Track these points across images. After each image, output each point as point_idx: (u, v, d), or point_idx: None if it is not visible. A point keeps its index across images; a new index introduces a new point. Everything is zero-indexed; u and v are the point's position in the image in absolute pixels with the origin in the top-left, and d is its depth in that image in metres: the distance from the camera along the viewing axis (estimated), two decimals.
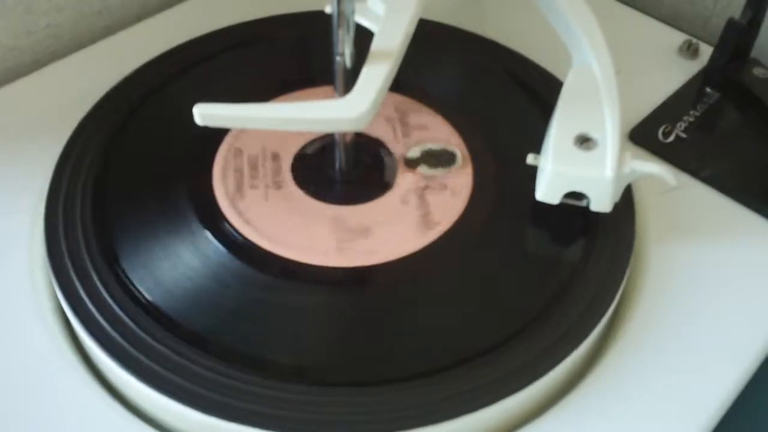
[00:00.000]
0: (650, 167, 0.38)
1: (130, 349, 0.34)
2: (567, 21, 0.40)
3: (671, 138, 0.46)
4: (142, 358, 0.34)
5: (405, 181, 0.41)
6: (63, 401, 0.34)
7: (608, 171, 0.37)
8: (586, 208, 0.38)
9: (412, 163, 0.40)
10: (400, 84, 0.37)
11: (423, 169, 0.40)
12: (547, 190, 0.38)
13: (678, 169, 0.44)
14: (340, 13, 0.35)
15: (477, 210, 0.40)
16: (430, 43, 0.46)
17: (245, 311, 0.36)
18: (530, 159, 0.39)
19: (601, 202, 0.38)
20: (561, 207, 0.38)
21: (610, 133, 0.37)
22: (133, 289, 0.36)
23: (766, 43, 0.50)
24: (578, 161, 0.37)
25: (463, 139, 0.43)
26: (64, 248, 0.38)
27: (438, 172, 0.39)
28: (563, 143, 0.38)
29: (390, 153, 0.42)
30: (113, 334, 0.35)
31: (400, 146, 0.42)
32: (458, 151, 0.40)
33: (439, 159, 0.40)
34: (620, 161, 0.37)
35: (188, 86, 0.46)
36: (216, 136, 0.42)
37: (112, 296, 0.36)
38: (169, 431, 0.34)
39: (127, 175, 0.41)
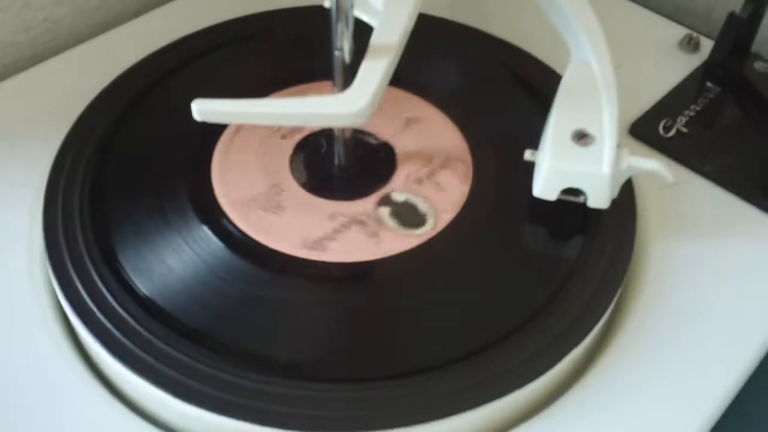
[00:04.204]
0: (647, 163, 0.37)
1: (128, 344, 0.34)
2: (565, 16, 0.40)
3: (672, 132, 0.45)
4: (140, 353, 0.34)
5: (359, 205, 0.39)
6: (61, 397, 0.34)
7: (605, 167, 0.37)
8: (584, 205, 0.38)
9: (384, 201, 0.39)
10: (400, 79, 0.37)
11: (384, 212, 0.38)
12: (545, 187, 0.38)
13: (679, 163, 0.44)
14: (339, 7, 0.35)
15: (485, 177, 0.40)
16: (429, 38, 0.46)
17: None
18: (528, 155, 0.39)
19: (599, 198, 0.38)
20: (563, 202, 0.38)
21: (607, 130, 0.37)
22: (132, 284, 0.36)
23: (767, 37, 0.50)
24: (575, 157, 0.37)
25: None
26: (62, 243, 0.38)
27: (390, 224, 0.37)
28: (561, 139, 0.37)
29: (388, 179, 0.41)
30: (111, 329, 0.35)
31: (404, 182, 0.40)
32: (432, 223, 0.38)
33: (407, 216, 0.38)
34: (617, 157, 0.37)
35: (187, 81, 0.46)
36: (214, 131, 0.42)
37: (110, 291, 0.36)
38: (167, 427, 0.34)
39: (126, 171, 0.41)
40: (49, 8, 0.50)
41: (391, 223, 0.37)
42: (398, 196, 0.39)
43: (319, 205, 0.39)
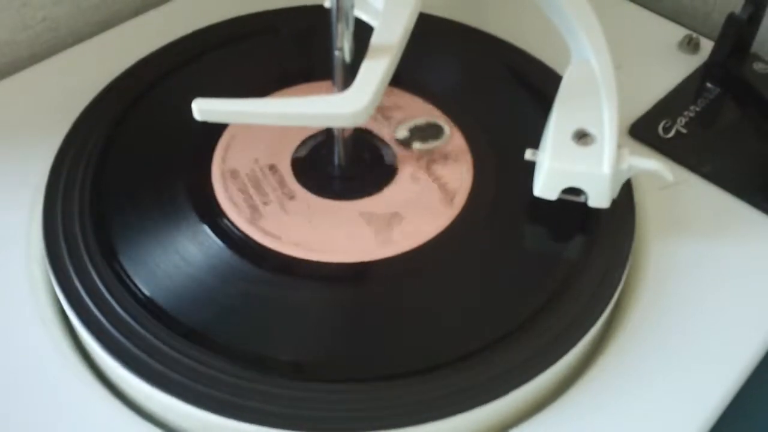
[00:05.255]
0: (648, 163, 0.38)
1: (129, 345, 0.34)
2: (566, 16, 0.40)
3: (671, 133, 0.46)
4: (141, 354, 0.34)
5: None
6: (61, 397, 0.34)
7: (605, 167, 0.37)
8: (585, 204, 0.38)
9: (405, 143, 0.41)
10: (400, 79, 0.37)
11: (417, 145, 0.40)
12: (545, 186, 0.38)
13: (678, 164, 0.44)
14: (339, 7, 0.35)
15: (485, 177, 0.41)
16: (430, 38, 0.46)
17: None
18: (528, 155, 0.39)
19: (599, 198, 0.38)
20: (562, 202, 0.38)
21: (608, 129, 0.37)
22: (132, 284, 0.36)
23: (767, 37, 0.50)
24: (576, 157, 0.37)
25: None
26: (62, 243, 0.38)
27: (418, 146, 0.40)
28: (561, 139, 0.37)
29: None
30: (111, 329, 0.35)
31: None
32: (444, 124, 0.41)
33: (428, 133, 0.41)
34: (618, 157, 0.37)
35: (187, 81, 0.46)
36: (214, 130, 0.42)
37: (110, 292, 0.36)
38: (167, 426, 0.34)
39: (126, 170, 0.41)
40: (48, 7, 0.50)
41: (418, 145, 0.40)
42: (402, 132, 0.41)
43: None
